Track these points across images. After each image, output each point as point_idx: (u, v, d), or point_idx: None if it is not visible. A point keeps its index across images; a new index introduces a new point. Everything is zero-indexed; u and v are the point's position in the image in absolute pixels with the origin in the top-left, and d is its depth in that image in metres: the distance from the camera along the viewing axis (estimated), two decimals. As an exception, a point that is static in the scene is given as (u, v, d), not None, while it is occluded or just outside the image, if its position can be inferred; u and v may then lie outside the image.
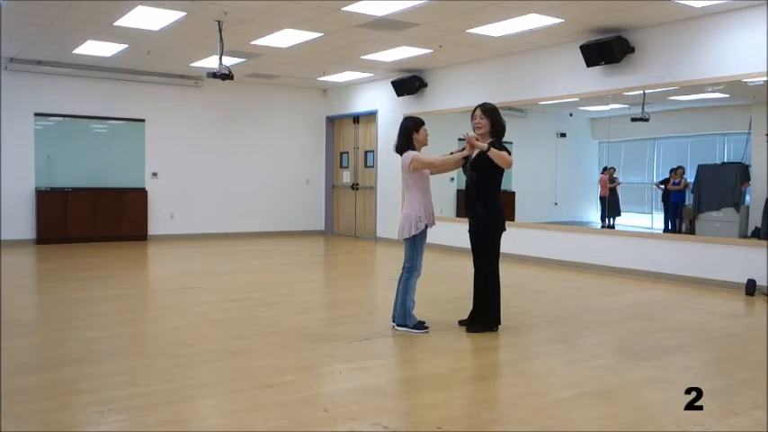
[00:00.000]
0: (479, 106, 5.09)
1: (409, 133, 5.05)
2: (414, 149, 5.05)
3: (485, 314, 5.10)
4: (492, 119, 5.00)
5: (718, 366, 4.44)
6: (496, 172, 4.95)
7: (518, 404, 3.54)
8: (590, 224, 10.67)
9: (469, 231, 5.16)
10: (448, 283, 7.54)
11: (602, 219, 10.32)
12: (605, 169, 10.61)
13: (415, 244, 5.04)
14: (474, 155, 4.99)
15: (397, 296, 5.16)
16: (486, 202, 5.00)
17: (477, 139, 4.90)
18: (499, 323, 5.16)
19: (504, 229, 5.09)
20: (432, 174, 5.19)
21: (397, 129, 5.21)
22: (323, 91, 13.73)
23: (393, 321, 5.18)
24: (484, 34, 8.45)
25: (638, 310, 6.23)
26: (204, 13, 7.57)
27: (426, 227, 5.04)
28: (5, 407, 3.30)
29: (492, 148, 4.82)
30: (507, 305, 6.41)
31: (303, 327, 5.29)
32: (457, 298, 6.29)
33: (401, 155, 5.09)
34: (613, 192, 10.37)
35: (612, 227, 10.06)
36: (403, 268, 5.14)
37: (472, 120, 5.08)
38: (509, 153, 4.87)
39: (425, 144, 5.13)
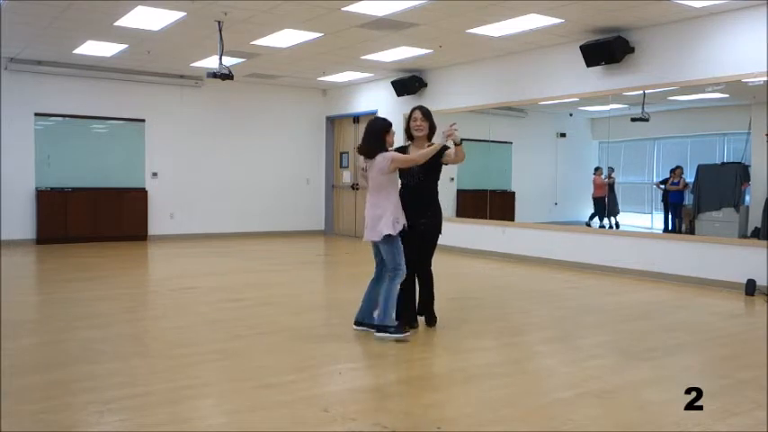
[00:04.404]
0: (419, 108, 5.09)
1: (381, 135, 4.91)
2: (385, 151, 4.90)
3: (432, 309, 5.25)
4: (430, 121, 5.07)
5: (718, 366, 4.44)
6: (437, 174, 5.08)
7: (518, 404, 3.54)
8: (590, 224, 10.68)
9: (409, 232, 4.98)
10: (447, 283, 7.52)
11: (599, 219, 10.30)
12: (597, 170, 10.63)
13: (394, 244, 4.85)
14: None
15: (371, 299, 4.99)
16: (435, 204, 5.09)
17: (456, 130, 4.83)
18: (418, 323, 5.17)
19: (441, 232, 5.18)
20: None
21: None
22: (323, 91, 13.73)
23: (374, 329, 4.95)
24: (484, 34, 8.45)
25: (638, 310, 6.23)
26: (204, 13, 7.57)
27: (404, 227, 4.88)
28: (5, 407, 3.30)
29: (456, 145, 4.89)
30: (507, 305, 6.42)
31: (303, 327, 5.29)
32: (456, 298, 6.29)
33: (370, 157, 4.89)
34: (611, 190, 10.38)
35: (618, 225, 10.07)
36: (382, 271, 4.98)
37: (411, 122, 5.07)
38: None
39: (392, 145, 5.04)
